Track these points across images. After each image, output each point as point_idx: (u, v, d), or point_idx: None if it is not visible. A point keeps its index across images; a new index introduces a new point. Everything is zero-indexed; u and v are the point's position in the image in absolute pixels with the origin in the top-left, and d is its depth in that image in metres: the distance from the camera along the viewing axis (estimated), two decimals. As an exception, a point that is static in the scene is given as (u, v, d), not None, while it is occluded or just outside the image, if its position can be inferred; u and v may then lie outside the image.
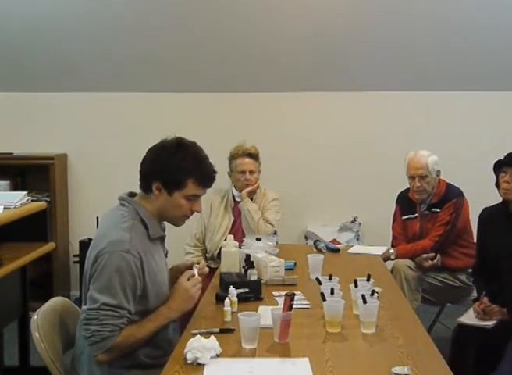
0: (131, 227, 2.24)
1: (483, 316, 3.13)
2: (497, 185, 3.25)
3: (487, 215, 3.43)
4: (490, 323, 3.08)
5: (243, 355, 2.03)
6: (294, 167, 5.34)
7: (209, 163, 2.35)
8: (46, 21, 4.82)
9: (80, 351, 2.31)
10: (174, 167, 2.27)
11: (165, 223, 2.45)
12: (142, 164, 2.35)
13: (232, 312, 2.37)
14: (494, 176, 3.27)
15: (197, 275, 2.37)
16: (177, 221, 2.38)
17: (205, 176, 2.33)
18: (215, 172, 2.36)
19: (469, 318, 3.20)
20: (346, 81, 5.19)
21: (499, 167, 3.23)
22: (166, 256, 2.48)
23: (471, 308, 3.24)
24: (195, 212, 2.40)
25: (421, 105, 5.30)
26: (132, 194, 2.40)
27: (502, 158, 3.25)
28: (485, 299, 3.16)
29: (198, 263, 2.49)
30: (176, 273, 2.49)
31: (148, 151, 2.35)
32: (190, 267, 2.45)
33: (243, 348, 2.07)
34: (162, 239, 2.42)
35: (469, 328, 3.15)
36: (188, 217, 2.39)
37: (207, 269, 2.53)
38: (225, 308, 2.37)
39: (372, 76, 5.18)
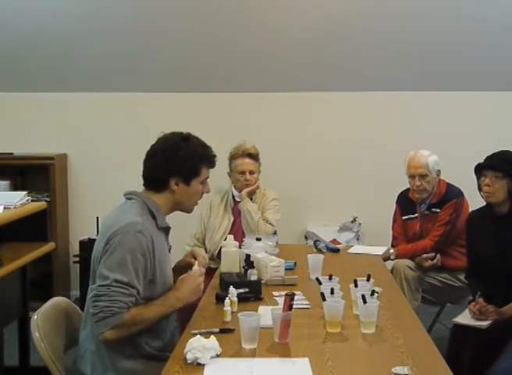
0: (141, 213, 2.31)
1: (479, 316, 3.13)
2: (479, 188, 3.25)
3: (474, 218, 3.44)
4: (485, 323, 3.08)
5: (243, 355, 2.03)
6: (294, 167, 5.34)
7: (208, 146, 2.49)
8: (46, 21, 4.81)
9: (83, 350, 2.32)
10: (189, 158, 2.39)
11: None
12: (154, 168, 2.39)
13: (232, 312, 2.37)
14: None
15: (197, 267, 2.46)
16: (191, 208, 2.49)
17: (212, 158, 2.47)
18: (215, 155, 2.51)
19: (464, 318, 3.20)
20: (346, 81, 5.19)
21: (479, 170, 3.24)
22: (169, 252, 2.50)
23: (468, 308, 3.25)
24: (197, 211, 2.48)
25: (421, 105, 5.29)
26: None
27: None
28: (481, 299, 3.16)
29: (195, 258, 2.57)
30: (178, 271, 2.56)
31: (155, 154, 2.39)
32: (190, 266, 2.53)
33: (243, 348, 2.07)
34: (167, 232, 2.47)
35: (466, 328, 3.15)
36: (198, 202, 2.51)
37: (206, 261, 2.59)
38: (225, 308, 2.37)
39: (372, 76, 5.18)
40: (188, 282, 2.36)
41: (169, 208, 2.43)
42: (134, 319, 2.19)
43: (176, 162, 2.37)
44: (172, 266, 2.54)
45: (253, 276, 2.72)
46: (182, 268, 2.58)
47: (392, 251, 4.03)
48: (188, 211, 2.50)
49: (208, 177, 2.47)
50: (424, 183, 4.00)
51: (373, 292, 2.36)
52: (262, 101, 5.32)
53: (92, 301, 2.18)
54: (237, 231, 3.99)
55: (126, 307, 2.17)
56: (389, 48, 4.96)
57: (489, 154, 3.27)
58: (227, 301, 2.39)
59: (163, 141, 2.41)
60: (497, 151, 3.24)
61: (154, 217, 2.35)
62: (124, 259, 2.18)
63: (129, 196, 2.41)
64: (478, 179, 3.24)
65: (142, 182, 2.44)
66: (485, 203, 3.31)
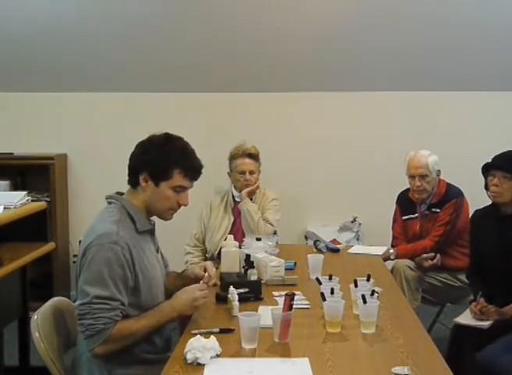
0: (118, 221, 2.26)
1: (480, 317, 3.13)
2: (486, 187, 3.25)
3: (478, 217, 3.43)
4: (486, 324, 3.08)
5: (243, 355, 2.03)
6: (294, 167, 5.34)
7: (196, 156, 2.38)
8: (46, 22, 4.81)
9: (80, 353, 2.32)
10: (161, 158, 2.31)
11: (163, 222, 2.45)
12: (130, 158, 2.38)
13: (233, 313, 2.38)
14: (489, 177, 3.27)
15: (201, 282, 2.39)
16: (164, 214, 2.39)
17: (191, 167, 2.35)
18: (201, 165, 2.39)
19: (466, 318, 3.20)
20: (346, 81, 5.19)
21: (487, 170, 3.23)
22: (158, 251, 2.48)
23: (468, 309, 3.24)
24: (184, 207, 2.40)
25: (421, 105, 5.29)
26: (120, 194, 2.42)
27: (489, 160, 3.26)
28: (482, 300, 3.16)
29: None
30: (185, 277, 2.55)
31: (136, 146, 2.39)
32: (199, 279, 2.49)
33: (243, 348, 2.07)
34: (152, 233, 2.43)
35: (466, 328, 3.15)
36: (175, 210, 2.40)
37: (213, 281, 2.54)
38: (234, 303, 2.40)
39: (372, 76, 5.18)
40: (184, 295, 2.29)
41: (145, 209, 2.36)
42: (122, 333, 2.17)
43: (147, 158, 2.31)
44: (181, 272, 2.54)
45: (253, 276, 2.72)
46: (190, 279, 2.53)
47: (392, 251, 4.03)
48: (162, 217, 2.40)
49: (184, 187, 2.34)
50: (424, 184, 4.00)
51: (373, 292, 2.36)
52: (262, 101, 5.31)
53: (78, 320, 2.18)
54: (237, 231, 3.99)
55: (111, 322, 2.14)
56: (389, 48, 4.96)
57: (486, 153, 3.27)
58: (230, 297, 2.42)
59: (148, 137, 2.38)
60: (506, 150, 3.24)
61: (133, 221, 2.31)
62: (101, 273, 2.15)
63: (109, 200, 2.38)
64: (486, 178, 3.24)
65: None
66: (490, 202, 3.30)
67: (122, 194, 2.42)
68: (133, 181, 2.36)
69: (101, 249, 2.17)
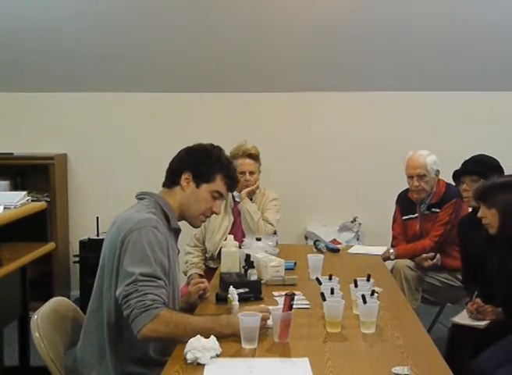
0: (154, 213, 2.30)
1: (477, 316, 3.12)
2: (460, 196, 3.24)
3: (463, 224, 3.43)
4: (483, 323, 3.08)
5: (243, 355, 2.03)
6: (294, 167, 5.34)
7: (236, 170, 2.53)
8: (46, 21, 4.82)
9: (82, 352, 2.31)
10: (208, 161, 2.41)
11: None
12: (174, 159, 2.46)
13: (233, 312, 2.38)
14: None
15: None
16: (195, 219, 2.44)
17: (232, 177, 2.47)
18: (238, 180, 2.54)
19: (463, 318, 3.20)
20: (346, 81, 5.19)
21: (458, 177, 3.23)
22: (178, 255, 2.49)
23: (466, 309, 3.24)
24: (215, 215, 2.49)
25: (420, 105, 5.29)
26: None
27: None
28: (478, 300, 3.16)
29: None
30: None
31: (181, 150, 2.48)
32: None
33: (243, 348, 2.06)
34: (177, 235, 2.45)
35: (464, 328, 3.15)
36: (206, 217, 2.46)
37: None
38: (229, 296, 2.41)
39: (372, 76, 5.18)
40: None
41: (178, 211, 2.39)
42: (172, 317, 2.09)
43: (193, 159, 2.40)
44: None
45: (253, 276, 2.72)
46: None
47: (392, 251, 4.04)
48: (193, 221, 2.44)
49: (221, 194, 2.42)
50: (422, 184, 4.00)
51: (373, 292, 2.36)
52: (262, 101, 5.32)
53: (123, 303, 2.11)
54: (237, 231, 3.99)
55: (158, 300, 2.10)
56: (390, 48, 4.96)
57: (485, 153, 3.27)
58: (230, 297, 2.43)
59: (195, 144, 2.47)
60: (474, 155, 3.25)
61: (166, 217, 2.34)
62: (144, 252, 2.15)
63: (141, 196, 2.40)
64: (457, 186, 3.23)
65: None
66: None
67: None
68: (173, 181, 2.41)
69: (142, 231, 2.18)
